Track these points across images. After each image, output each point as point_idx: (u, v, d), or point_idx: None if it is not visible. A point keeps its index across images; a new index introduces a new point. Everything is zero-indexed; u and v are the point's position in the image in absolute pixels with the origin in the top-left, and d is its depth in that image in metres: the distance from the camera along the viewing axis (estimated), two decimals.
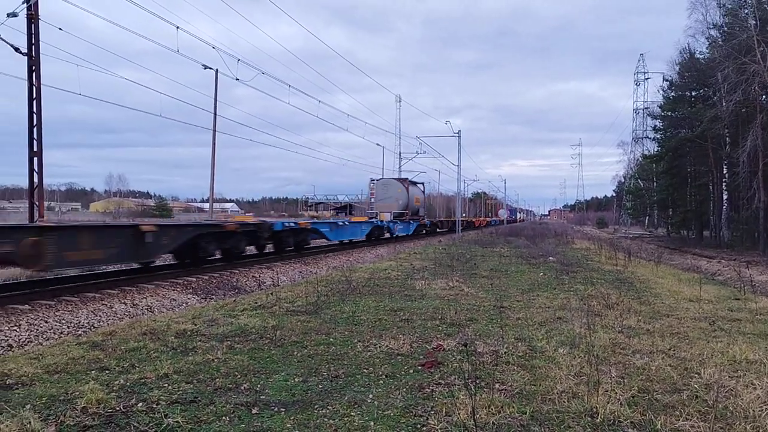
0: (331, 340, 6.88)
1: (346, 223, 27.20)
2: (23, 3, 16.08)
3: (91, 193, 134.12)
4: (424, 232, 40.68)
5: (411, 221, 36.29)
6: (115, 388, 4.91)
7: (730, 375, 5.51)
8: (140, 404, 4.51)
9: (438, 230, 46.10)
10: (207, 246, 15.76)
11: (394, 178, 38.29)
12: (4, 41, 15.95)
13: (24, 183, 17.55)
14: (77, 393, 4.71)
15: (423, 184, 38.90)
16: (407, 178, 39.11)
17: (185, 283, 13.43)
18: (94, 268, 14.35)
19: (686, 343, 6.93)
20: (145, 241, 12.44)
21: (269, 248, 21.08)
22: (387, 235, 32.55)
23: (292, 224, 21.57)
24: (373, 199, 33.79)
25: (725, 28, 34.31)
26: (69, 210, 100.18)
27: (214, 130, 31.05)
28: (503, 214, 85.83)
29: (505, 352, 6.23)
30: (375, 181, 37.02)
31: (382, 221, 31.62)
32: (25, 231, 10.13)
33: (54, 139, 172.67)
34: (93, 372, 5.41)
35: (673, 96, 47.27)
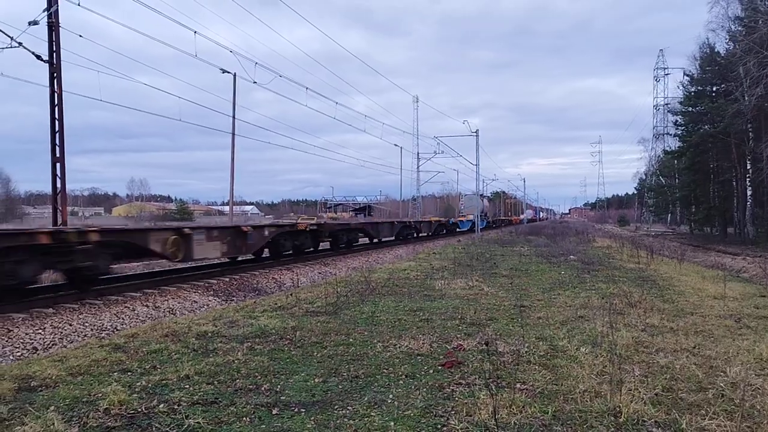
0: (351, 340, 6.88)
1: (464, 220, 51.97)
2: (44, 11, 16.32)
3: (114, 197, 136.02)
4: (486, 225, 59.33)
5: (484, 219, 56.87)
6: (137, 389, 4.95)
7: (757, 373, 5.41)
8: (162, 405, 4.54)
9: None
10: (442, 229, 42.24)
11: (475, 194, 56.05)
12: (27, 49, 16.21)
13: (48, 189, 17.80)
14: (100, 395, 4.76)
15: (489, 195, 60.15)
16: (482, 194, 59.78)
17: (206, 285, 13.53)
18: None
19: (711, 341, 6.82)
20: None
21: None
22: (475, 227, 54.54)
23: (453, 220, 50.13)
24: (462, 207, 54.27)
25: (746, 21, 33.76)
26: (92, 215, 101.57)
27: (233, 134, 31.29)
28: (530, 214, 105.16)
29: (526, 352, 6.18)
30: (464, 196, 59.99)
31: (471, 220, 51.44)
32: None
33: (77, 146, 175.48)
34: (115, 374, 5.47)
35: (693, 91, 46.59)
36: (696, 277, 15.28)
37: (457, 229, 50.05)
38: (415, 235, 37.10)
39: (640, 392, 4.68)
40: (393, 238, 32.26)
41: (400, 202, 71.21)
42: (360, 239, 28.23)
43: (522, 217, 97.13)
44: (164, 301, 11.58)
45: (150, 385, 5.08)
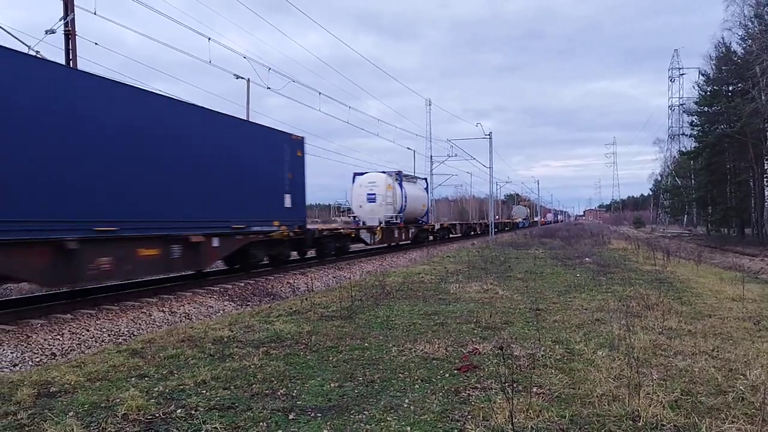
0: (366, 344, 6.88)
1: (517, 221, 74.15)
2: (60, 20, 16.52)
3: None
4: (528, 224, 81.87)
5: (527, 221, 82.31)
6: (154, 394, 4.99)
7: None
8: (179, 411, 4.57)
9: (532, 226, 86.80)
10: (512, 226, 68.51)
11: (521, 205, 76.23)
12: (44, 58, 16.39)
13: None
14: (118, 400, 4.80)
15: (504, 198, 79.54)
16: (525, 205, 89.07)
17: (221, 290, 13.58)
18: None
19: (730, 344, 6.75)
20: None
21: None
22: (521, 226, 74.29)
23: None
24: (513, 213, 69.64)
25: (765, 18, 33.43)
26: None
27: None
28: (550, 217, 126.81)
29: (542, 355, 6.15)
30: (515, 206, 76.21)
31: (520, 221, 76.48)
32: None
33: None
34: (133, 379, 5.51)
35: (709, 91, 46.19)
36: (714, 278, 15.12)
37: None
38: (506, 228, 60.94)
39: (658, 396, 4.64)
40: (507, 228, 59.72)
41: None
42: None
43: (539, 219, 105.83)
44: (180, 306, 11.64)
45: (167, 390, 5.11)
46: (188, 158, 12.61)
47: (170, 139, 12.09)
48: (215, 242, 13.52)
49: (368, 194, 26.60)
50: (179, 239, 12.25)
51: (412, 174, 34.90)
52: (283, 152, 16.66)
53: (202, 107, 13.43)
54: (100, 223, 10.23)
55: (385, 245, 26.92)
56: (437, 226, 35.81)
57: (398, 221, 27.18)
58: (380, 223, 25.82)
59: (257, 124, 17.19)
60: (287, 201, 16.83)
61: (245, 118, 19.12)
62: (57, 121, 9.48)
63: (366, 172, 28.24)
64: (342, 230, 22.31)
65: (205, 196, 13.10)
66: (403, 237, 28.53)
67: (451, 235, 39.19)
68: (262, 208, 15.54)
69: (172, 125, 12.14)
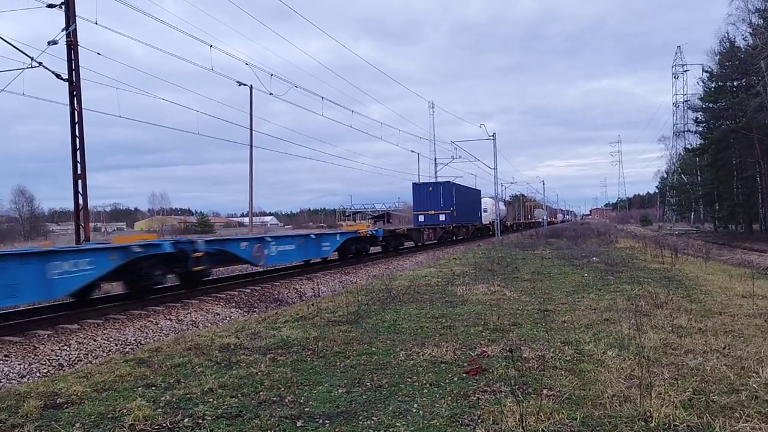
0: (374, 349, 6.84)
1: (541, 219, 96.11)
2: (62, 31, 16.58)
3: (135, 212, 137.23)
4: (546, 224, 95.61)
5: (545, 221, 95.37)
6: (161, 404, 4.95)
7: None
8: (186, 420, 4.54)
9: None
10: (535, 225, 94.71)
11: (542, 207, 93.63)
12: (47, 69, 16.46)
13: (71, 205, 18.01)
14: (125, 410, 4.77)
15: (509, 199, 78.36)
16: (545, 206, 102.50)
17: (228, 297, 13.57)
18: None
19: (741, 342, 6.67)
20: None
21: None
22: (542, 225, 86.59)
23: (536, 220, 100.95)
24: (536, 214, 77.76)
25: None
26: (115, 230, 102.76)
27: (251, 145, 31.56)
28: (560, 216, 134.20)
29: (551, 357, 6.09)
30: (536, 209, 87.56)
31: (540, 220, 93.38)
32: None
33: (98, 162, 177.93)
34: (140, 389, 5.48)
35: (714, 87, 46.02)
36: (723, 275, 15.02)
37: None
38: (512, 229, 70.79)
39: (670, 396, 4.58)
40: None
41: None
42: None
43: (547, 218, 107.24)
44: (187, 314, 11.63)
45: (174, 399, 5.08)
46: (463, 201, 39.82)
47: (460, 196, 39.26)
48: (470, 227, 42.76)
49: (483, 209, 48.32)
50: (466, 227, 41.50)
51: (500, 196, 53.01)
52: (476, 196, 46.34)
53: (463, 185, 42.94)
54: (456, 221, 38.02)
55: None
56: (509, 223, 60.73)
57: (497, 221, 47.51)
58: (490, 222, 47.95)
59: (471, 187, 46.90)
60: (478, 213, 45.21)
61: (474, 187, 48.54)
62: (461, 196, 40.05)
63: (483, 198, 50.62)
64: (484, 225, 47.52)
65: (468, 212, 41.32)
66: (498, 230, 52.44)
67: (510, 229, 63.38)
68: (474, 216, 43.67)
69: (461, 192, 39.87)
